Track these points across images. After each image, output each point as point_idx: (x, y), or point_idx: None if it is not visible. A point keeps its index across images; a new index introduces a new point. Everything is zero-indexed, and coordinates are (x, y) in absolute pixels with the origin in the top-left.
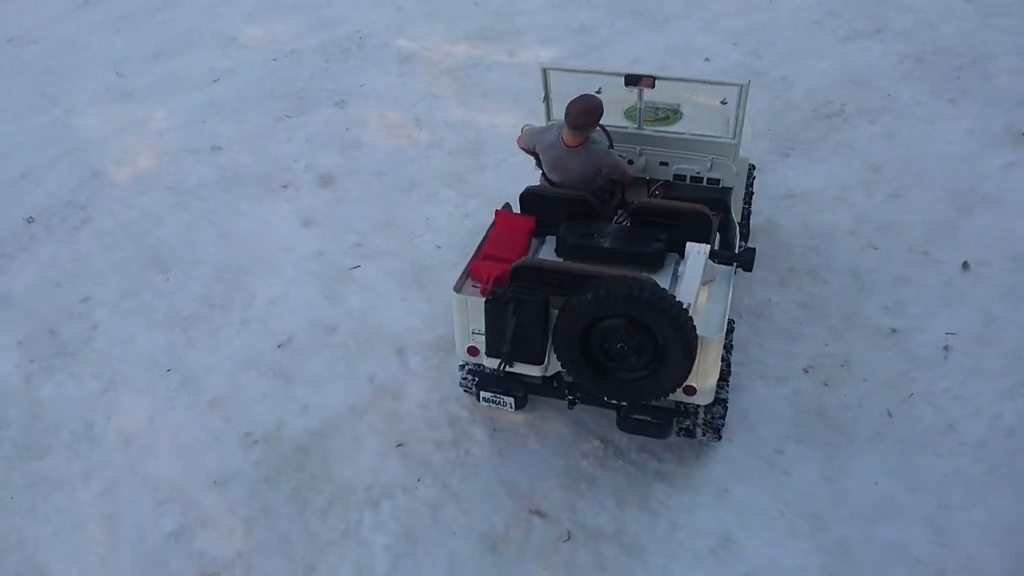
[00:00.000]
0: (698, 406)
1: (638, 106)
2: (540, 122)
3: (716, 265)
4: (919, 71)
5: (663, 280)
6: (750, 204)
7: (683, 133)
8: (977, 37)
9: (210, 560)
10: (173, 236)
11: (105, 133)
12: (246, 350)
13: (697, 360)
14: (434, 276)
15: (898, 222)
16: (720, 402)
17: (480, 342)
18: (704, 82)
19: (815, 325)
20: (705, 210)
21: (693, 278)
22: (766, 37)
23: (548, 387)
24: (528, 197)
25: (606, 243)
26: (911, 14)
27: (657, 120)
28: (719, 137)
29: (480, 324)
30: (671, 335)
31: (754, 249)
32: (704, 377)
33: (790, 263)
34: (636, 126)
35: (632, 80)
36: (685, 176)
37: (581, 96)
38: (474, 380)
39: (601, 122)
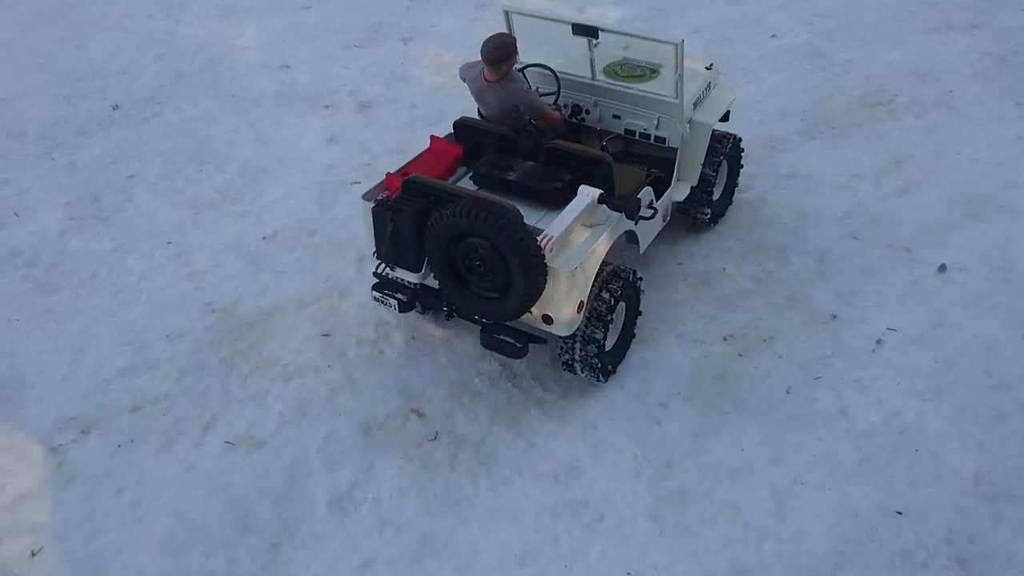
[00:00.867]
0: (574, 341)
1: (590, 57)
2: None
3: (609, 211)
4: (996, 70)
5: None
6: (735, 177)
7: (631, 88)
8: None
9: (142, 396)
10: (220, 135)
11: (200, 43)
12: (236, 237)
13: (551, 290)
14: None
15: (892, 217)
16: (592, 340)
17: None
18: (641, 37)
19: (757, 299)
20: (608, 159)
21: (568, 214)
22: (847, 20)
23: (429, 296)
24: (459, 127)
25: (513, 176)
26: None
27: (631, 76)
28: (664, 96)
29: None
30: (514, 260)
31: (638, 199)
32: (558, 308)
33: (761, 239)
34: (590, 77)
35: (578, 30)
36: (635, 132)
37: (496, 34)
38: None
39: (559, 69)
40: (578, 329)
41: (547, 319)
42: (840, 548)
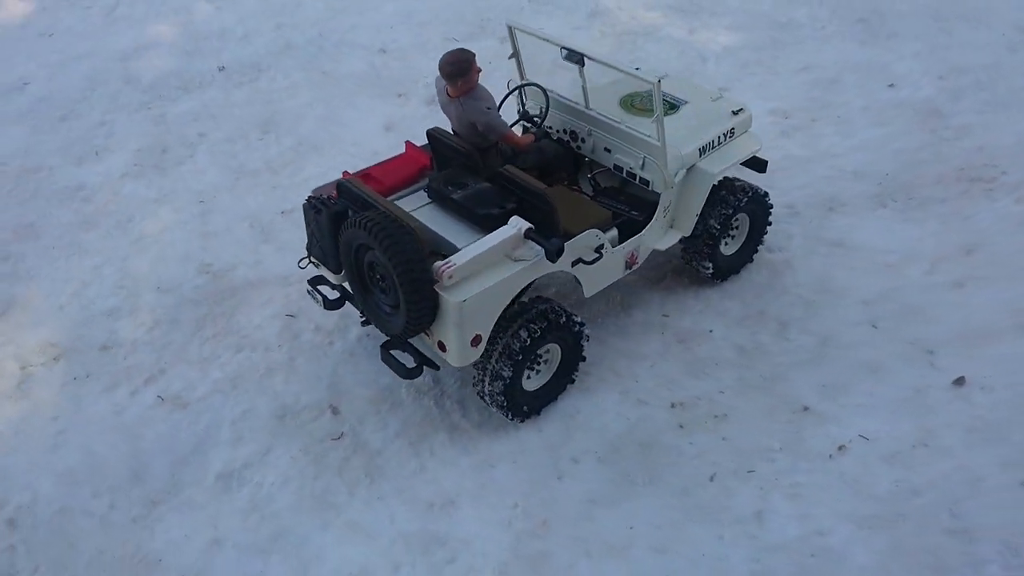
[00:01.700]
0: (484, 373)
1: (582, 84)
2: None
3: (535, 247)
4: None
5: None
6: (759, 233)
7: (619, 123)
8: None
9: (114, 338)
10: (293, 108)
11: (319, 17)
12: (258, 207)
13: (442, 318)
14: None
15: (930, 311)
16: (499, 377)
17: None
18: (620, 70)
19: (730, 371)
20: (549, 195)
21: (483, 243)
22: (988, 79)
23: (351, 298)
24: (430, 136)
25: (457, 196)
26: None
27: (644, 110)
28: (647, 136)
29: None
30: (397, 280)
31: (561, 243)
32: (447, 337)
33: (766, 307)
34: (583, 104)
35: (566, 54)
36: (623, 169)
37: (455, 48)
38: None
39: (551, 91)
40: (490, 363)
41: (441, 346)
42: None
